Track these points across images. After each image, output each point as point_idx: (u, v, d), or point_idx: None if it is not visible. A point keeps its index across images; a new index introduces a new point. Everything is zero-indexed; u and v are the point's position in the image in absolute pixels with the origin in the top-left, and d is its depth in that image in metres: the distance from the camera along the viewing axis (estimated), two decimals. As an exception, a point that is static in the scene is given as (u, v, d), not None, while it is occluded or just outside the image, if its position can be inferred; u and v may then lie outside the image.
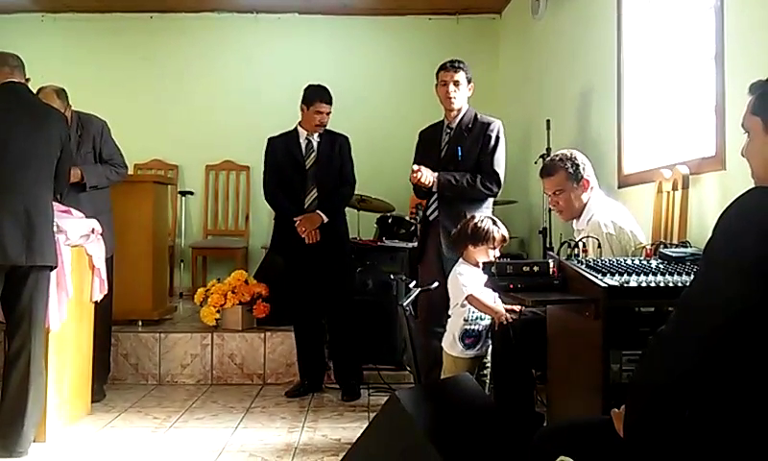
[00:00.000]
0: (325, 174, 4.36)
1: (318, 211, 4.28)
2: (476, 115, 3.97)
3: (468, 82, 3.95)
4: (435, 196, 3.92)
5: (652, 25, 3.96)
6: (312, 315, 4.44)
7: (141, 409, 4.09)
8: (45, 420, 3.39)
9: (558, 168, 3.21)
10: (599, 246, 2.75)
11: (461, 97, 3.93)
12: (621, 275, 2.30)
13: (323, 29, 7.14)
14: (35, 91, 3.42)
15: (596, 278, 2.28)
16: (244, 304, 4.82)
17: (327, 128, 4.44)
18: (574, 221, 3.27)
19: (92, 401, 4.00)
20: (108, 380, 4.38)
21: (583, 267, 2.40)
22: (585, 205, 3.19)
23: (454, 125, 3.96)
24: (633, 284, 2.24)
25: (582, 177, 3.18)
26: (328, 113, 4.37)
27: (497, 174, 3.86)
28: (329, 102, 4.38)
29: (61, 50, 6.92)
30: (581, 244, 2.66)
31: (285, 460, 3.25)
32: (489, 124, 3.93)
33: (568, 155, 3.23)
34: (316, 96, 4.36)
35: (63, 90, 4.03)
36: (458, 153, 3.90)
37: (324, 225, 4.28)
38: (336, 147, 4.42)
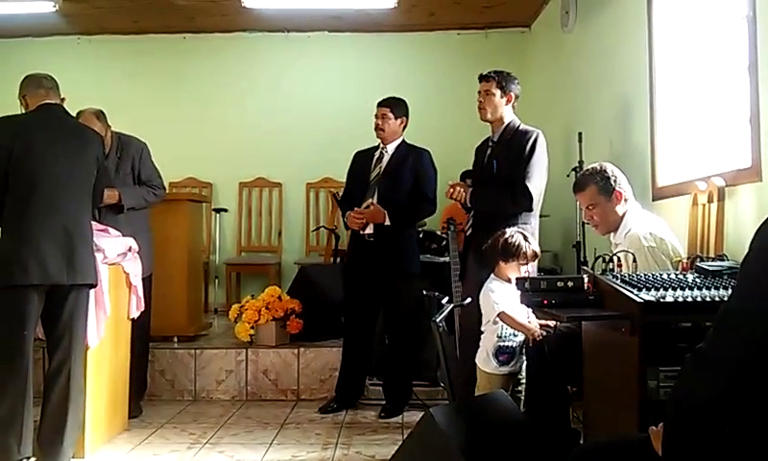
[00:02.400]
0: (388, 187, 4.31)
1: (384, 211, 4.24)
2: (518, 126, 3.85)
3: (504, 92, 3.82)
4: (472, 212, 3.91)
5: (684, 35, 3.93)
6: (365, 332, 4.42)
7: (177, 425, 4.13)
8: (84, 435, 3.44)
9: (588, 183, 3.19)
10: (634, 260, 2.72)
11: (492, 108, 3.83)
12: (657, 290, 2.27)
13: (352, 46, 7.21)
14: (74, 114, 3.48)
15: (632, 293, 2.25)
16: (277, 320, 4.85)
17: (408, 142, 4.44)
18: (611, 234, 3.23)
19: (129, 417, 4.06)
20: (144, 397, 4.44)
21: (618, 282, 2.38)
22: (621, 217, 3.16)
23: (497, 137, 3.89)
24: (669, 299, 2.22)
25: (613, 189, 3.15)
26: (383, 115, 4.36)
27: (527, 188, 3.68)
28: (381, 104, 4.40)
29: (97, 71, 7.08)
30: (616, 259, 2.63)
31: (320, 477, 3.27)
32: (525, 133, 3.79)
33: (598, 168, 3.21)
34: None
35: (102, 113, 4.10)
36: (493, 166, 3.82)
37: (391, 239, 4.25)
38: (408, 161, 4.35)
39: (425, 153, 4.41)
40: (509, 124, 3.86)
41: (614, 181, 3.16)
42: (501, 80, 3.83)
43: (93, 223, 3.45)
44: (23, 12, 6.28)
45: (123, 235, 3.82)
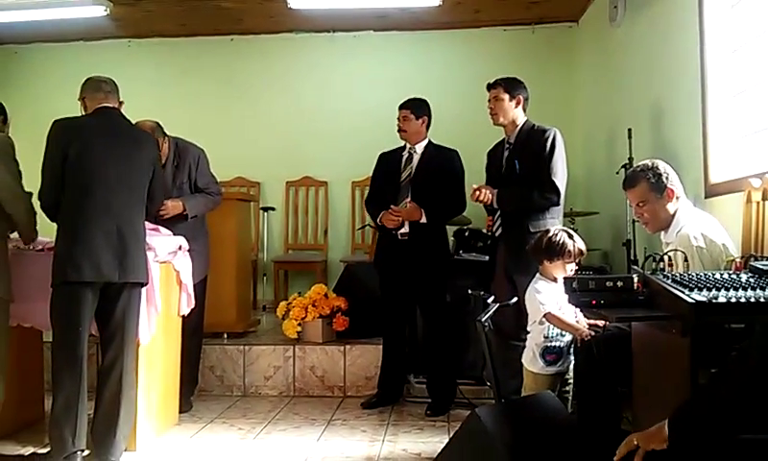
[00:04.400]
0: (421, 188, 4.34)
1: (421, 209, 4.28)
2: (533, 126, 4.03)
3: (511, 96, 4.01)
4: (499, 212, 4.00)
5: (736, 28, 3.82)
6: (401, 330, 4.46)
7: (226, 420, 4.20)
8: (136, 430, 3.53)
9: (639, 179, 3.14)
10: (686, 260, 2.66)
11: (502, 112, 4.01)
12: (709, 290, 2.22)
13: (398, 45, 7.22)
14: (129, 116, 3.54)
15: (683, 293, 2.20)
16: (324, 318, 4.90)
17: (436, 143, 4.48)
18: (662, 233, 3.18)
19: (180, 412, 4.15)
20: (195, 392, 4.52)
21: (669, 282, 2.33)
22: (672, 215, 3.11)
23: (513, 139, 4.04)
24: (722, 300, 2.16)
25: (665, 186, 3.09)
26: (404, 118, 4.42)
27: (554, 183, 3.86)
28: (402, 107, 4.46)
29: (147, 73, 7.23)
30: (666, 258, 2.58)
31: (366, 474, 3.28)
32: (543, 132, 3.95)
33: (650, 165, 3.16)
34: None
35: (159, 125, 4.17)
36: (516, 166, 3.96)
37: (424, 237, 4.29)
38: (439, 161, 4.39)
39: (455, 152, 4.46)
40: (523, 125, 4.05)
41: (666, 177, 3.10)
42: (507, 85, 4.04)
43: (146, 222, 3.52)
44: (75, 17, 6.43)
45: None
